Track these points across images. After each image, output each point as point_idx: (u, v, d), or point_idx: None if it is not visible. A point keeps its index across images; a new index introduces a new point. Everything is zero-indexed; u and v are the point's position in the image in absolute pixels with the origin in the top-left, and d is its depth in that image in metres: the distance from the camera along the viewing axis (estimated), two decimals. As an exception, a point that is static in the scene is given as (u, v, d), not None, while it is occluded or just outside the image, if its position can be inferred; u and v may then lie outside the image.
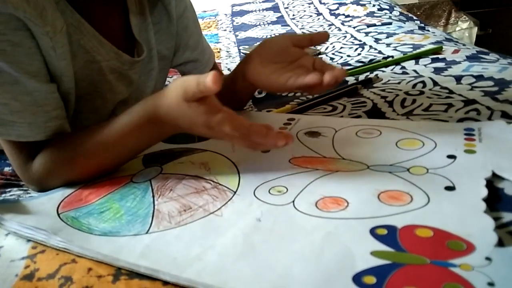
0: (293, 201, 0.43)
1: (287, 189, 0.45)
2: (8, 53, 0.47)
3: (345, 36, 1.20)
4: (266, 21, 1.57)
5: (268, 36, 1.35)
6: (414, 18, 1.38)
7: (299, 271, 0.33)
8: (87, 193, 0.50)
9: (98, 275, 0.37)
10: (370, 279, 0.31)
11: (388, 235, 0.36)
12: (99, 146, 0.51)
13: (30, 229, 0.43)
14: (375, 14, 1.40)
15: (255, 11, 1.74)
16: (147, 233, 0.41)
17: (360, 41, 1.13)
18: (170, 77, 1.05)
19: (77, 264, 0.38)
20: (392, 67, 0.87)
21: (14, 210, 0.47)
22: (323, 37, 0.57)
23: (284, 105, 0.72)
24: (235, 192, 0.46)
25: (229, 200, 0.45)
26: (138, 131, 0.49)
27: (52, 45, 0.50)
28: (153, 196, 0.47)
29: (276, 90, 0.61)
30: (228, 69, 1.04)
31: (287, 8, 1.70)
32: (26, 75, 0.49)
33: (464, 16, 1.91)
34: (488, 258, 0.32)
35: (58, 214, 0.46)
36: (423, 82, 0.74)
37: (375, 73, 0.85)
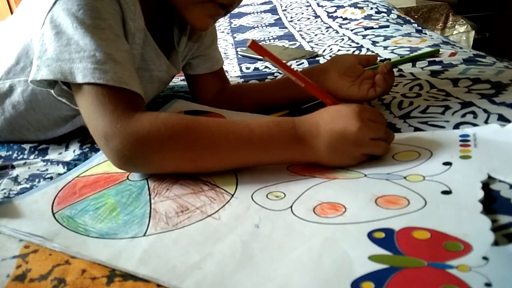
0: (291, 207, 0.42)
1: (285, 195, 0.45)
2: (107, 17, 0.51)
3: (343, 39, 1.20)
4: (264, 23, 1.57)
5: (266, 38, 1.35)
6: (412, 21, 1.38)
7: (298, 280, 0.33)
8: (81, 186, 0.49)
9: (92, 277, 0.36)
10: (369, 285, 0.31)
11: (385, 238, 0.36)
12: (238, 144, 0.47)
13: (26, 236, 0.42)
14: (372, 17, 1.40)
15: (253, 13, 1.74)
16: (144, 235, 0.41)
17: (357, 43, 1.13)
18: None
19: (71, 266, 0.38)
20: (389, 69, 0.87)
21: (7, 213, 0.46)
22: (375, 58, 0.73)
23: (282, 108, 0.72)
24: (232, 195, 0.46)
25: (227, 202, 0.44)
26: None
27: (133, 32, 0.56)
28: (150, 195, 0.47)
29: (356, 100, 0.66)
30: (226, 71, 1.04)
31: (285, 10, 1.70)
32: (121, 38, 0.53)
33: (462, 20, 1.92)
34: (485, 258, 0.32)
35: (53, 214, 0.45)
36: (420, 84, 0.74)
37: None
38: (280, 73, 0.94)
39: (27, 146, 0.66)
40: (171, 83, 0.98)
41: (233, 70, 1.03)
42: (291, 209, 0.42)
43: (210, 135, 0.47)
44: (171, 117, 0.48)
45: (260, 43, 0.48)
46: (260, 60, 1.07)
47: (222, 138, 0.47)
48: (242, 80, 0.93)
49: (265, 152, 0.48)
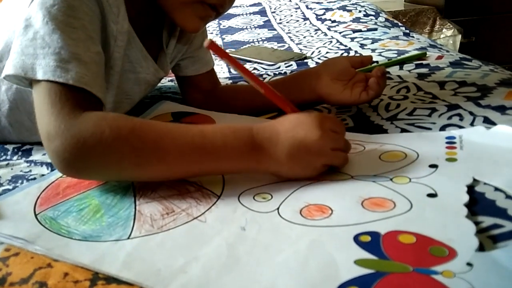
0: (278, 208, 0.42)
1: (272, 196, 0.45)
2: (83, 17, 0.50)
3: (331, 41, 1.20)
4: (253, 25, 1.57)
5: (255, 40, 1.35)
6: (400, 24, 1.39)
7: (284, 283, 0.33)
8: (65, 186, 0.49)
9: (75, 280, 0.36)
10: None
11: (371, 242, 0.36)
12: (188, 151, 0.45)
13: (7, 238, 0.41)
14: (361, 20, 1.41)
15: (242, 14, 1.73)
16: (128, 238, 0.40)
17: (345, 46, 1.13)
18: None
19: (53, 269, 0.37)
20: (377, 72, 0.87)
21: None
22: (370, 59, 0.72)
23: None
24: (219, 197, 0.45)
25: (213, 204, 0.44)
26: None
27: (115, 35, 0.55)
28: (135, 196, 0.46)
29: (348, 104, 0.67)
30: (214, 72, 1.03)
31: (274, 12, 1.71)
32: (94, 40, 0.51)
33: (449, 24, 1.94)
34: (469, 264, 0.32)
35: (36, 215, 0.45)
36: (407, 87, 0.74)
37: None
38: (269, 75, 0.93)
39: (10, 147, 0.65)
40: (158, 84, 0.97)
41: (221, 72, 1.03)
42: (278, 211, 0.42)
43: (158, 139, 0.44)
44: (118, 119, 0.45)
45: (219, 45, 0.46)
46: (249, 62, 1.07)
47: (171, 142, 0.44)
48: (231, 81, 0.92)
49: (218, 160, 0.46)
